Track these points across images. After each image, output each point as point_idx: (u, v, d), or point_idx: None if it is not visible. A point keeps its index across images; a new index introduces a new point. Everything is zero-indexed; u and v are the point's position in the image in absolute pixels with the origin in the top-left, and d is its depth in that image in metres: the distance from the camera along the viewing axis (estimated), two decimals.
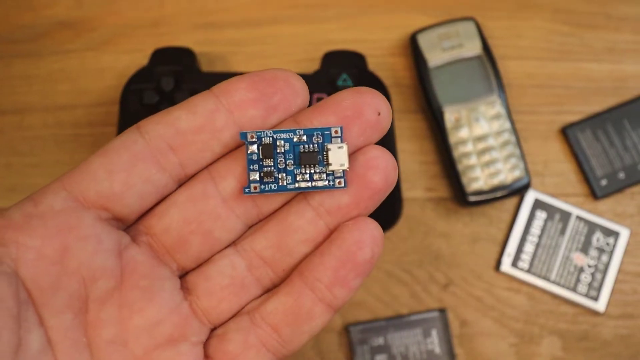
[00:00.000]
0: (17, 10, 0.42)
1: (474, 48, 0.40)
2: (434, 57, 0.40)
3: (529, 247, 0.39)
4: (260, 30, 0.42)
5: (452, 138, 0.39)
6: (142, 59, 0.40)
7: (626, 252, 0.40)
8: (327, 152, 0.20)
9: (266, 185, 0.20)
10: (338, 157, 0.20)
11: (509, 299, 0.39)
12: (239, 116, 0.20)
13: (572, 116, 0.42)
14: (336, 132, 0.20)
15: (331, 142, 0.20)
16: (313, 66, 0.40)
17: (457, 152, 0.39)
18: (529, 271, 0.39)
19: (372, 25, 0.43)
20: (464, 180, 0.39)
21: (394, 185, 0.21)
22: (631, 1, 0.43)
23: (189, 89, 0.36)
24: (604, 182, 0.40)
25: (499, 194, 0.39)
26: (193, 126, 0.20)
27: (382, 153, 0.21)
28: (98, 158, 0.20)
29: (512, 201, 0.40)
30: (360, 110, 0.21)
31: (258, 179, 0.20)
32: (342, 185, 0.20)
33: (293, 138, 0.21)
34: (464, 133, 0.39)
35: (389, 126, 0.21)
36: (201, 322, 0.21)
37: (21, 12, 0.42)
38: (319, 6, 0.43)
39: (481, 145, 0.39)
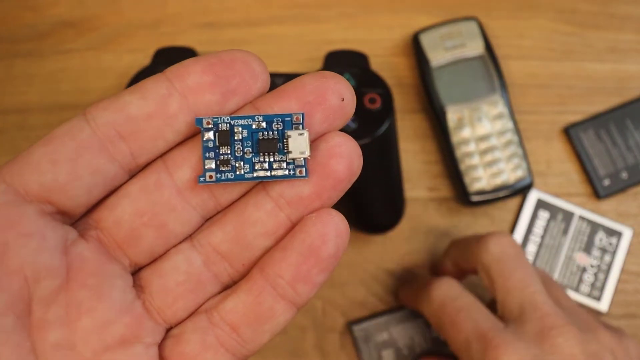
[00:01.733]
0: (18, 9, 0.42)
1: (476, 48, 0.40)
2: (437, 57, 0.40)
3: (531, 247, 0.39)
4: (262, 30, 0.42)
5: (455, 138, 0.39)
6: (144, 59, 0.40)
7: (629, 252, 0.40)
8: (287, 139, 0.19)
9: (222, 174, 0.19)
10: (299, 144, 0.19)
11: None
12: (194, 101, 0.19)
13: (574, 116, 0.41)
14: (297, 118, 0.19)
15: (292, 128, 0.19)
16: (315, 66, 0.40)
17: (459, 152, 0.39)
18: None
19: (375, 25, 0.43)
20: (467, 180, 0.39)
21: (358, 173, 0.20)
22: (634, 1, 0.43)
23: None
24: (606, 182, 0.40)
25: (501, 193, 0.38)
26: (144, 112, 0.19)
27: (346, 140, 0.20)
28: (40, 147, 0.19)
29: (514, 201, 0.40)
30: (323, 95, 0.19)
31: (214, 167, 0.19)
32: (303, 174, 0.19)
33: (252, 125, 0.19)
34: (466, 133, 0.39)
35: (353, 112, 0.20)
36: (155, 321, 0.20)
37: (23, 12, 0.42)
38: (322, 6, 0.43)
39: (484, 145, 0.39)
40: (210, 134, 0.19)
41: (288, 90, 0.20)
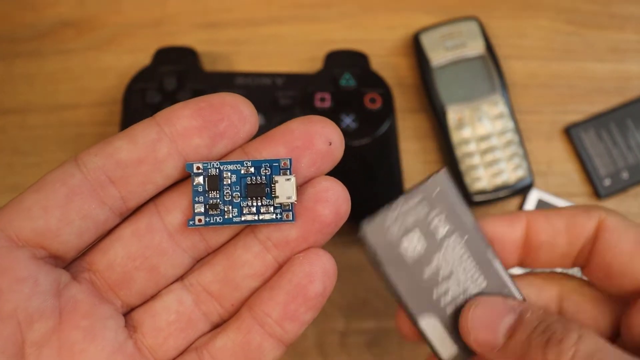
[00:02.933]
0: (19, 9, 0.42)
1: (477, 47, 0.40)
2: (437, 57, 0.40)
3: None
4: (262, 30, 0.42)
5: (455, 137, 0.39)
6: (144, 59, 0.40)
7: None
8: (274, 184, 0.20)
9: (211, 218, 0.20)
10: (285, 189, 0.20)
11: None
12: (183, 146, 0.19)
13: (575, 116, 0.41)
14: (285, 163, 0.20)
15: (280, 174, 0.20)
16: (316, 66, 0.40)
17: (460, 152, 0.39)
18: (532, 271, 0.39)
19: (375, 25, 0.43)
20: (467, 179, 0.39)
21: (346, 217, 0.21)
22: (634, 1, 0.43)
23: (192, 88, 0.36)
24: (607, 182, 0.40)
25: (502, 193, 0.38)
26: (134, 157, 0.19)
27: (333, 184, 0.20)
28: (32, 194, 0.19)
29: (515, 201, 0.40)
30: (310, 140, 0.20)
31: (203, 211, 0.20)
32: (290, 218, 0.20)
33: (240, 170, 0.20)
34: (466, 132, 0.39)
35: (341, 155, 0.20)
36: None
37: (23, 12, 0.42)
38: (322, 6, 0.43)
39: (484, 145, 0.39)
40: (200, 179, 0.20)
41: (276, 135, 0.20)
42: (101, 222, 0.20)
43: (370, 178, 0.37)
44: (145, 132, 0.19)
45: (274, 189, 0.20)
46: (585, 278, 0.25)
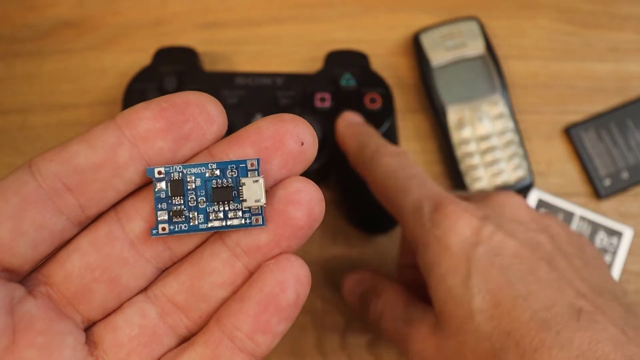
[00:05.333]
0: (19, 9, 0.42)
1: (477, 47, 0.40)
2: (437, 57, 0.40)
3: None
4: (263, 30, 0.42)
5: (455, 137, 0.39)
6: (144, 59, 0.40)
7: (630, 252, 0.40)
8: (241, 187, 0.18)
9: (176, 226, 0.19)
10: (254, 192, 0.18)
11: None
12: (145, 149, 0.18)
13: (575, 116, 0.41)
14: (252, 164, 0.19)
15: (247, 175, 0.19)
16: (316, 66, 0.40)
17: (460, 152, 0.39)
18: None
19: (375, 25, 0.43)
20: (467, 179, 0.39)
21: (320, 220, 0.19)
22: (635, 1, 0.43)
23: (192, 88, 0.36)
24: (607, 182, 0.40)
25: None
26: (92, 163, 0.18)
27: (305, 185, 0.19)
28: None
29: None
30: (281, 140, 0.19)
31: (167, 218, 0.19)
32: (260, 222, 0.19)
33: (205, 173, 0.19)
34: (467, 132, 0.39)
35: (314, 156, 0.19)
36: None
37: (23, 12, 0.42)
38: (322, 6, 0.43)
39: (484, 145, 0.39)
40: (163, 184, 0.19)
41: (244, 135, 0.19)
42: (58, 233, 0.18)
43: None
44: (104, 135, 0.18)
45: (242, 191, 0.19)
46: None
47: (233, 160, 0.19)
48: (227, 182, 0.19)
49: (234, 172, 0.19)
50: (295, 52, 0.42)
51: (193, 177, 0.19)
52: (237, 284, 0.19)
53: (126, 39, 0.42)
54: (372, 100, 0.37)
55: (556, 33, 0.43)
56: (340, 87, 0.37)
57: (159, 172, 0.18)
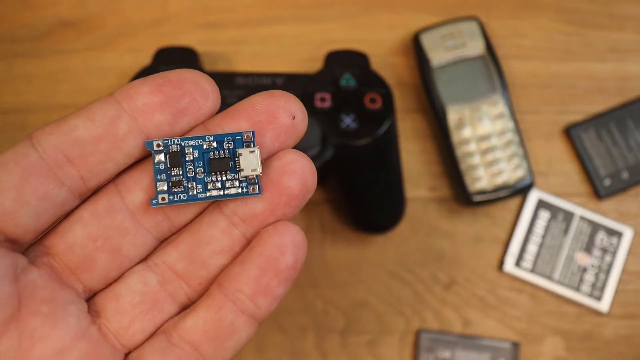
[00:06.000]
0: (19, 9, 0.42)
1: (477, 47, 0.40)
2: (437, 57, 0.40)
3: (532, 247, 0.39)
4: (263, 30, 0.42)
5: (455, 137, 0.39)
6: (144, 59, 0.40)
7: (630, 252, 0.40)
8: (238, 157, 0.19)
9: (175, 196, 0.19)
10: (250, 161, 0.19)
11: (512, 299, 0.39)
12: (143, 122, 0.19)
13: (575, 116, 0.41)
14: (248, 136, 0.19)
15: (243, 147, 0.19)
16: (316, 66, 0.40)
17: (460, 152, 0.39)
18: (532, 271, 0.39)
19: (375, 25, 0.43)
20: (467, 179, 0.39)
21: (313, 190, 0.20)
22: (635, 1, 0.43)
23: None
24: (607, 182, 0.40)
25: (502, 193, 0.38)
26: (92, 135, 0.18)
27: (298, 157, 0.20)
28: None
29: (515, 201, 0.40)
30: (273, 114, 0.19)
31: (166, 189, 0.19)
32: (256, 191, 0.19)
33: (202, 145, 0.19)
34: (467, 132, 0.39)
35: (305, 130, 0.20)
36: (113, 346, 0.19)
37: (23, 12, 0.42)
38: (322, 6, 0.43)
39: (484, 145, 0.39)
40: (161, 156, 0.19)
41: (238, 110, 0.20)
42: (59, 203, 0.19)
43: (370, 178, 0.37)
44: (103, 109, 0.19)
45: (238, 162, 0.19)
46: None
47: (229, 133, 0.19)
48: (224, 153, 0.19)
49: (231, 144, 0.19)
50: (295, 52, 0.42)
51: (191, 149, 0.19)
52: (235, 251, 0.20)
53: (126, 39, 0.42)
54: (372, 100, 0.36)
55: (556, 33, 0.43)
56: (340, 87, 0.37)
57: (158, 145, 0.19)
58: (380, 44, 0.42)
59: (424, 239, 0.40)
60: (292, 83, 0.37)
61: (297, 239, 0.19)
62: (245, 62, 0.42)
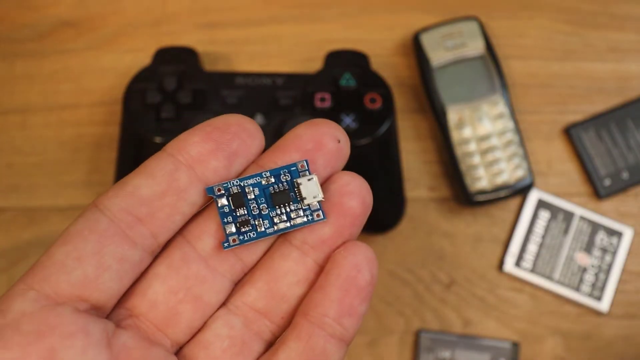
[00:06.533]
0: (19, 9, 0.42)
1: (477, 47, 0.40)
2: (437, 57, 0.40)
3: (532, 247, 0.39)
4: (263, 30, 0.42)
5: (455, 137, 0.39)
6: (144, 59, 0.40)
7: (630, 252, 0.40)
8: (298, 187, 0.20)
9: (245, 235, 0.20)
10: (310, 189, 0.20)
11: (512, 299, 0.39)
12: (201, 171, 0.19)
13: (575, 116, 0.41)
14: (302, 166, 0.20)
15: (299, 176, 0.20)
16: (316, 66, 0.40)
17: (460, 152, 0.39)
18: (532, 271, 0.39)
19: (375, 25, 0.43)
20: (467, 179, 0.39)
21: (370, 207, 0.21)
22: (634, 1, 0.43)
23: (192, 88, 0.36)
24: (607, 182, 0.40)
25: (502, 193, 0.38)
26: (156, 192, 0.19)
27: (353, 178, 0.20)
28: (61, 247, 0.18)
29: (515, 201, 0.40)
30: (320, 141, 0.20)
31: (235, 230, 0.20)
32: (321, 217, 0.20)
33: (261, 181, 0.20)
34: (467, 132, 0.39)
35: (349, 152, 0.21)
36: None
37: (23, 12, 0.42)
38: (322, 6, 0.43)
39: (484, 145, 0.39)
40: (224, 200, 0.20)
41: (286, 143, 0.20)
42: (137, 263, 0.19)
43: (371, 178, 0.37)
44: (160, 164, 0.19)
45: (299, 191, 0.20)
46: None
47: (284, 166, 0.20)
48: (283, 186, 0.20)
49: (287, 176, 0.20)
50: (295, 52, 0.42)
51: (251, 188, 0.20)
52: (311, 279, 0.20)
53: (126, 39, 0.42)
54: (372, 100, 0.36)
55: (556, 33, 0.43)
56: (340, 87, 0.37)
57: (219, 190, 0.20)
58: (380, 44, 0.42)
59: (424, 239, 0.40)
60: (292, 83, 0.37)
61: (369, 256, 0.20)
62: (245, 62, 0.42)
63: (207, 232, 0.20)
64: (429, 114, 0.41)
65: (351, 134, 0.36)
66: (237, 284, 0.21)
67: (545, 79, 0.42)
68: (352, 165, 0.36)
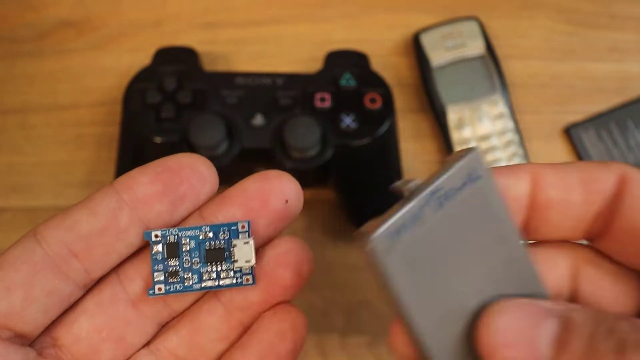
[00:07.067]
0: (19, 9, 0.42)
1: (477, 47, 0.40)
2: (437, 57, 0.40)
3: None
4: (263, 30, 0.42)
5: (455, 137, 0.39)
6: (144, 59, 0.40)
7: None
8: (233, 248, 0.20)
9: (171, 286, 0.20)
10: (244, 253, 0.20)
11: None
12: (144, 212, 0.19)
13: (575, 116, 0.41)
14: (243, 227, 0.20)
15: (238, 237, 0.20)
16: (316, 66, 0.40)
17: None
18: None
19: (375, 25, 0.43)
20: None
21: (307, 277, 0.20)
22: (635, 1, 0.43)
23: (192, 88, 0.36)
24: None
25: None
26: (95, 229, 0.19)
27: (293, 246, 0.20)
28: None
29: None
30: (266, 199, 0.20)
31: (163, 279, 0.20)
32: (250, 282, 0.20)
33: (199, 235, 0.20)
34: (467, 132, 0.39)
35: (299, 212, 0.20)
36: None
37: (23, 12, 0.42)
38: (322, 6, 0.43)
39: (484, 145, 0.39)
40: (159, 247, 0.20)
41: (232, 196, 0.20)
42: (66, 297, 0.19)
43: (370, 178, 0.37)
44: (105, 201, 0.19)
45: (233, 253, 0.20)
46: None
47: (225, 223, 0.20)
48: (220, 244, 0.20)
49: (226, 234, 0.20)
50: (295, 52, 0.42)
51: (188, 240, 0.20)
52: (233, 337, 0.20)
53: (126, 39, 0.42)
54: (372, 100, 0.37)
55: (556, 33, 0.43)
56: (340, 87, 0.37)
57: (156, 236, 0.20)
58: (380, 44, 0.42)
59: None
60: (292, 83, 0.37)
61: (297, 323, 0.20)
62: (245, 62, 0.42)
63: (140, 275, 0.20)
64: (429, 114, 0.41)
65: (351, 134, 0.36)
66: (163, 327, 0.21)
67: (545, 79, 0.42)
68: (353, 165, 0.37)
